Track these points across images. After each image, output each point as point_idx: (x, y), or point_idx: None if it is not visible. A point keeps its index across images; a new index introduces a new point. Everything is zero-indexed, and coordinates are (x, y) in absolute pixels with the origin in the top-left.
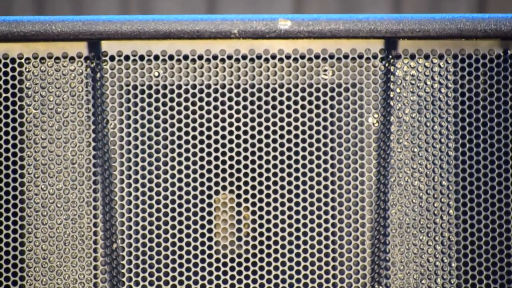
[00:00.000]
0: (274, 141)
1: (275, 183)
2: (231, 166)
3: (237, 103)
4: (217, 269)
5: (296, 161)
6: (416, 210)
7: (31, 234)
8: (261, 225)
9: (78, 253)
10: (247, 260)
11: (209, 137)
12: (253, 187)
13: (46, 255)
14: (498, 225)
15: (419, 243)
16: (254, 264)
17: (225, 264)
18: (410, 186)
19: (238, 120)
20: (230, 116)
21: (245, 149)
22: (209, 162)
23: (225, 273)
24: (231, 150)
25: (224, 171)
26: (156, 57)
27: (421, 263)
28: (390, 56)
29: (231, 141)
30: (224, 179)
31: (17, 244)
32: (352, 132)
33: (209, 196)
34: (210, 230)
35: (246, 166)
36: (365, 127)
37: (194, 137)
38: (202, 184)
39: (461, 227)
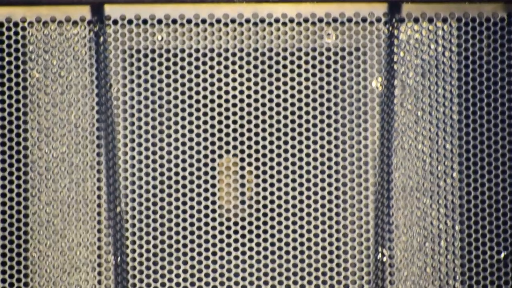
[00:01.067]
0: (278, 105)
1: (278, 147)
2: (234, 130)
3: (241, 67)
4: (221, 232)
5: (300, 125)
6: (419, 174)
7: (35, 198)
8: (264, 189)
9: (82, 216)
10: (250, 223)
11: (212, 101)
12: (257, 151)
13: (50, 218)
14: (501, 188)
15: (422, 206)
16: (257, 227)
17: (228, 228)
18: (414, 150)
19: (241, 84)
20: (234, 80)
21: (249, 113)
22: (212, 126)
23: (228, 236)
24: (234, 114)
25: (227, 135)
26: (159, 21)
27: (424, 226)
28: (394, 20)
29: (234, 105)
30: (227, 143)
31: (21, 207)
32: (355, 96)
33: (213, 160)
34: (213, 194)
35: (249, 130)
36: (368, 91)
37: (197, 101)
38: (205, 148)
39: (464, 190)
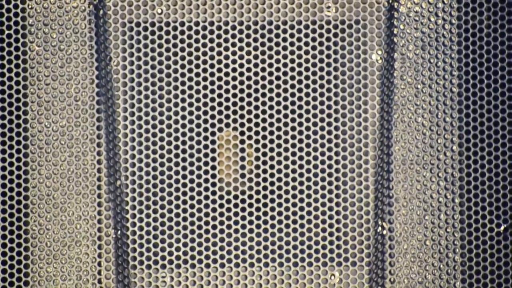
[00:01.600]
0: (278, 78)
1: (278, 120)
2: (234, 104)
3: (240, 40)
4: (221, 206)
5: (300, 98)
6: (419, 147)
7: (35, 171)
8: (264, 162)
9: (82, 190)
10: (250, 197)
11: (212, 74)
12: (257, 124)
13: (50, 192)
14: (501, 161)
15: (422, 179)
16: (257, 201)
17: (228, 201)
18: (414, 123)
19: (241, 57)
20: (233, 53)
21: (249, 86)
22: (212, 100)
23: (228, 210)
24: (234, 87)
25: (227, 108)
26: None
27: (424, 199)
28: None
29: (234, 78)
30: (227, 117)
31: (21, 180)
32: (355, 69)
33: (213, 134)
34: (213, 168)
35: (249, 104)
36: (368, 64)
37: (197, 74)
38: (205, 121)
39: (464, 163)
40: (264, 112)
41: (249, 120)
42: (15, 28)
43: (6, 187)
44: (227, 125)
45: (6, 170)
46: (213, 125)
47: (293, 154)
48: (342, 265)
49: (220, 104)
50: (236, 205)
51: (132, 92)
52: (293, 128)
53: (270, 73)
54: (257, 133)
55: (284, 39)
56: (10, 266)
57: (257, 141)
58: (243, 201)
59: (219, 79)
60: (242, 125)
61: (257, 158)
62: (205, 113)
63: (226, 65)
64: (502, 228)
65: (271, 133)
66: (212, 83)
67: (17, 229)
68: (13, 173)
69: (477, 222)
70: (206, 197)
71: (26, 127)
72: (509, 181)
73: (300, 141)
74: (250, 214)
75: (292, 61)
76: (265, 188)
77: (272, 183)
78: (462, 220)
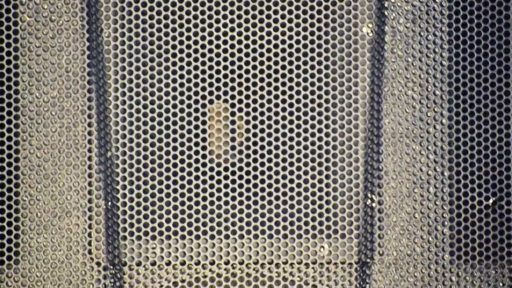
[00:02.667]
0: (268, 50)
1: (269, 93)
2: (225, 76)
3: (232, 12)
4: (211, 177)
5: (290, 71)
6: (409, 120)
7: (26, 142)
8: (255, 135)
9: (73, 161)
10: (240, 169)
11: (203, 46)
12: (247, 97)
13: (41, 162)
14: (490, 134)
15: (412, 152)
16: (247, 173)
17: (219, 173)
18: (404, 96)
19: (232, 29)
20: (224, 25)
21: (239, 58)
22: (203, 72)
23: (218, 181)
24: (225, 59)
25: (218, 80)
26: None
27: (413, 172)
28: None
29: (225, 51)
30: (218, 89)
31: (11, 151)
32: (346, 42)
33: (204, 106)
34: (204, 139)
35: (240, 76)
36: (359, 36)
37: (188, 46)
38: (196, 93)
39: (454, 136)
40: (254, 84)
41: (240, 92)
42: None
43: None
44: (218, 97)
45: None
46: (203, 97)
47: (284, 126)
48: (332, 237)
49: (210, 76)
50: (226, 177)
51: (123, 63)
52: (283, 101)
53: (261, 46)
54: (247, 105)
55: (276, 11)
56: (0, 237)
57: (247, 113)
58: (233, 173)
59: (210, 51)
60: (232, 97)
61: (248, 130)
62: (196, 85)
63: (217, 37)
64: (490, 201)
65: (262, 105)
66: (203, 55)
67: (8, 200)
68: (3, 144)
69: (466, 195)
70: (197, 169)
71: (17, 98)
72: (498, 154)
73: (291, 113)
74: (240, 186)
75: (283, 33)
76: (255, 160)
77: (262, 155)
78: (451, 193)
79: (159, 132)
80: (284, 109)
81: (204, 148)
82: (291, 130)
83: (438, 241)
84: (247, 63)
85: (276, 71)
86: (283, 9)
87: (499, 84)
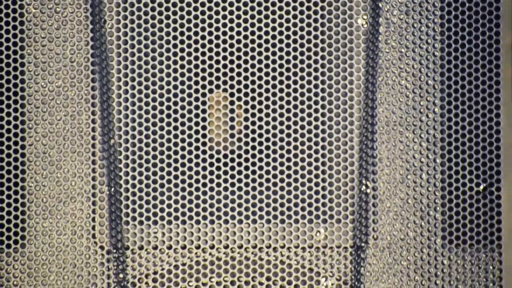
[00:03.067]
0: (266, 41)
1: (267, 82)
2: (224, 66)
3: (231, 4)
4: (211, 164)
5: (288, 61)
6: (402, 108)
7: (32, 130)
8: (253, 123)
9: (77, 148)
10: (239, 156)
11: (203, 37)
12: (246, 86)
13: (46, 149)
14: (481, 122)
15: (405, 140)
16: (246, 160)
17: (218, 160)
18: (397, 85)
19: (231, 21)
20: (224, 17)
21: (238, 49)
22: (203, 62)
23: (218, 168)
24: (224, 50)
25: (218, 70)
26: None
27: (407, 159)
28: None
29: (224, 42)
30: (218, 78)
31: (18, 138)
32: (341, 33)
33: (204, 95)
34: (204, 127)
35: (239, 66)
36: (354, 28)
37: (189, 37)
38: (196, 83)
39: (446, 125)
40: (253, 74)
41: (239, 82)
42: None
43: (3, 145)
44: (218, 86)
45: (3, 128)
46: (203, 87)
47: (281, 115)
48: (328, 222)
49: (210, 66)
50: (225, 164)
51: (126, 54)
52: (281, 90)
53: (259, 37)
54: (246, 94)
55: (273, 3)
56: (7, 221)
57: (246, 102)
58: (232, 160)
59: (210, 42)
60: (232, 86)
61: (246, 119)
62: (196, 75)
63: (217, 28)
64: (481, 187)
65: (260, 94)
66: (203, 46)
67: (14, 186)
68: (10, 131)
69: (457, 181)
70: (197, 156)
71: (23, 87)
72: (489, 142)
73: (288, 102)
74: (239, 172)
75: (281, 25)
76: (253, 147)
77: (260, 143)
78: (443, 179)
79: (160, 121)
80: (281, 98)
81: (204, 135)
82: (288, 119)
83: (431, 226)
84: (245, 53)
85: (274, 61)
86: (281, 1)
87: (489, 74)
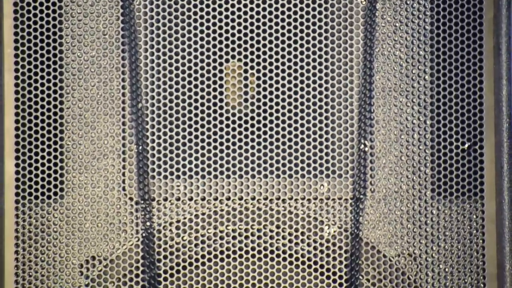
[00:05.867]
0: (276, 17)
1: (276, 53)
2: (239, 38)
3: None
4: (227, 125)
5: (295, 34)
6: (397, 76)
7: (69, 94)
8: (264, 89)
9: (109, 111)
10: (252, 118)
11: (220, 13)
12: (258, 56)
13: (82, 112)
14: (466, 88)
15: (399, 104)
16: (258, 121)
17: (234, 122)
18: (392, 56)
19: (245, 6)
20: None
21: (251, 23)
22: (220, 35)
23: (234, 129)
24: (239, 24)
25: (233, 42)
26: None
27: (400, 121)
28: None
29: (239, 17)
30: (233, 49)
31: (57, 102)
32: (343, 9)
33: (221, 64)
34: (221, 93)
35: (252, 38)
36: (354, 4)
37: (208, 14)
38: (214, 53)
39: (435, 90)
40: (264, 46)
41: (252, 53)
42: None
43: (44, 108)
44: (233, 56)
45: (44, 93)
46: (221, 57)
47: (289, 82)
48: (330, 177)
49: (227, 39)
50: (240, 125)
51: (152, 27)
52: (289, 60)
53: (264, 16)
54: (258, 64)
55: None
56: (48, 175)
57: (258, 71)
58: (246, 121)
59: (227, 17)
60: (245, 57)
61: (258, 85)
62: (214, 46)
63: (233, 12)
64: (466, 146)
65: (270, 64)
66: (221, 21)
67: (54, 144)
68: (50, 96)
69: (445, 140)
70: (215, 118)
71: (62, 56)
72: (473, 105)
73: (295, 71)
74: (252, 133)
75: (289, 2)
76: (265, 111)
77: (271, 107)
78: (432, 139)
79: (182, 87)
80: (289, 67)
81: (221, 100)
82: (295, 85)
83: (421, 180)
84: (258, 27)
85: (283, 34)
86: None
87: (474, 45)
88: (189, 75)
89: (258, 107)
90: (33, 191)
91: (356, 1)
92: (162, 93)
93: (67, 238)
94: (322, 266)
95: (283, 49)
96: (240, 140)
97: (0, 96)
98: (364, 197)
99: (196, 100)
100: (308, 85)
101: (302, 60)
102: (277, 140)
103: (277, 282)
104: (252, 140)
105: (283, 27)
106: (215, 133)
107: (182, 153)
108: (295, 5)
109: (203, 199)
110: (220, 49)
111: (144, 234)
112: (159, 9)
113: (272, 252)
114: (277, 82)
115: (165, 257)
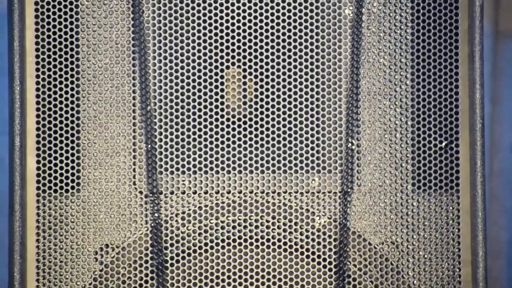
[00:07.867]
0: (272, 27)
1: (272, 60)
2: (238, 47)
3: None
4: (228, 126)
5: (289, 43)
6: (381, 81)
7: (85, 98)
8: (262, 93)
9: (121, 113)
10: (250, 119)
11: (221, 24)
12: (256, 64)
13: (96, 114)
14: (443, 92)
15: (383, 106)
16: (256, 122)
17: (234, 122)
18: (377, 63)
19: (244, 12)
20: (238, 10)
21: (250, 34)
22: (221, 44)
23: (233, 129)
24: (238, 34)
25: (233, 50)
26: None
27: (384, 122)
28: None
29: (238, 28)
30: (233, 57)
31: (74, 105)
32: (332, 20)
33: (222, 70)
34: (222, 96)
35: (250, 47)
36: (342, 17)
37: (210, 25)
38: (216, 61)
39: (415, 94)
40: (261, 54)
41: (250, 60)
42: None
43: (62, 110)
44: (233, 63)
45: (62, 97)
46: (222, 64)
47: (284, 87)
48: (321, 172)
49: (227, 47)
50: (239, 125)
51: (160, 37)
52: (284, 67)
53: (266, 24)
54: (256, 70)
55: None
56: (66, 171)
57: (256, 76)
58: (244, 122)
59: (227, 28)
60: (244, 64)
61: (256, 90)
62: (216, 54)
63: (233, 17)
64: (443, 144)
65: (267, 70)
66: (222, 31)
67: (71, 143)
68: (68, 99)
69: (424, 139)
70: (216, 119)
71: (78, 64)
72: (449, 108)
73: (289, 77)
74: (250, 132)
75: (283, 14)
76: (262, 112)
77: (267, 109)
78: (413, 138)
79: (187, 91)
80: (284, 73)
81: (222, 103)
82: (290, 90)
83: (403, 175)
84: (255, 37)
85: (278, 44)
86: None
87: (450, 53)
88: (193, 81)
89: (256, 110)
90: (53, 185)
91: (344, 14)
92: (169, 97)
93: (83, 227)
94: (313, 253)
95: (278, 57)
96: (239, 139)
97: (23, 99)
98: (352, 191)
99: (199, 103)
100: (301, 90)
101: (295, 66)
102: (273, 139)
103: (273, 268)
104: (250, 139)
105: (278, 37)
106: (217, 133)
107: (187, 151)
108: (289, 17)
109: (206, 192)
110: (222, 57)
111: (152, 224)
112: (166, 21)
113: (268, 240)
114: (273, 87)
115: (172, 245)
